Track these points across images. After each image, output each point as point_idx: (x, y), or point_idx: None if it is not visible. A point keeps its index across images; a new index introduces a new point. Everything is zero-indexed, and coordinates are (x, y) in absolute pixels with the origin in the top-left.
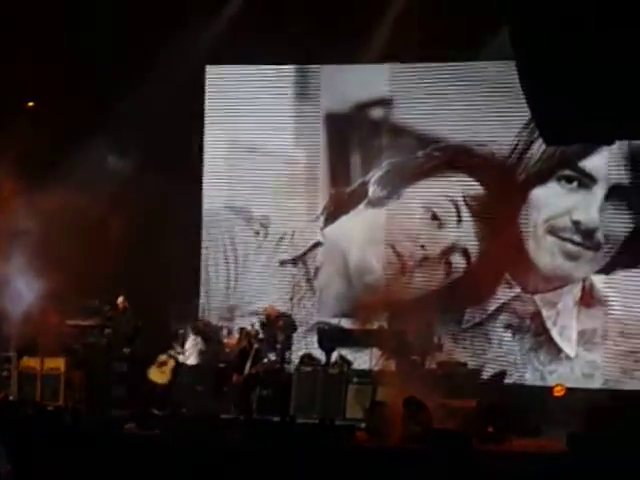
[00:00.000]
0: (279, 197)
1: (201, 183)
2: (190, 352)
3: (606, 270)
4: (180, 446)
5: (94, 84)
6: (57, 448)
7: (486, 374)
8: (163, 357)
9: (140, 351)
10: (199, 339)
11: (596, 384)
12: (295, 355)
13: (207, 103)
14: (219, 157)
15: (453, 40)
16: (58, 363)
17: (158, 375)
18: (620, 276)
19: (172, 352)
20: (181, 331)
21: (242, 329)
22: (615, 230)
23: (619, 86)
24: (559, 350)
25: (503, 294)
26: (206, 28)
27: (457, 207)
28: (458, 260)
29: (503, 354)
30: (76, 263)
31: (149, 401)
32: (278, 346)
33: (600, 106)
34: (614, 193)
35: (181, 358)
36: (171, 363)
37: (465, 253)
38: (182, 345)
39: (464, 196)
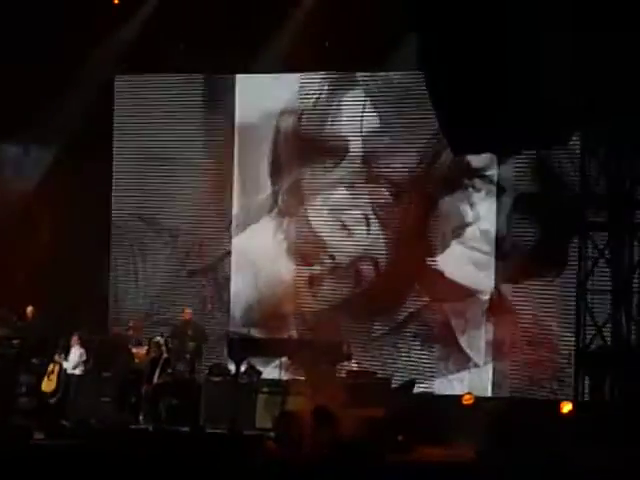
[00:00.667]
0: (188, 207)
1: (110, 192)
2: (75, 362)
3: (514, 279)
4: (89, 457)
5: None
6: None
7: (395, 383)
8: (50, 366)
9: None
10: (82, 350)
11: (504, 393)
12: (205, 365)
13: (116, 112)
14: (128, 167)
15: (363, 50)
16: None
17: (47, 385)
18: (528, 285)
19: (56, 358)
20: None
21: (151, 339)
22: (523, 239)
23: (525, 96)
24: (468, 359)
25: (412, 303)
26: (116, 36)
27: (366, 217)
28: (367, 269)
29: (412, 363)
30: None
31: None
32: (188, 356)
33: (507, 116)
34: (521, 202)
35: (65, 365)
36: (56, 370)
37: (374, 262)
38: (65, 354)
39: (373, 205)
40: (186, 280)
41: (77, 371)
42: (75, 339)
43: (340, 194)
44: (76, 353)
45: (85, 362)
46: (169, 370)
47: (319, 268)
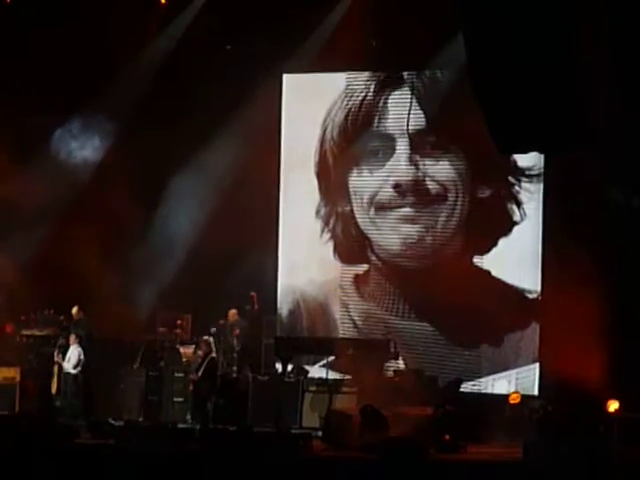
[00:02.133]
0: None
1: None
2: (74, 362)
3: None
4: (136, 456)
5: None
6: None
7: (442, 382)
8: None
9: (95, 361)
10: (80, 349)
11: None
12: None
13: None
14: None
15: (410, 49)
16: (13, 373)
17: (53, 386)
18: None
19: (56, 359)
20: (61, 340)
21: (199, 338)
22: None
23: (572, 94)
24: (515, 358)
25: (458, 302)
26: None
27: (412, 216)
28: (414, 268)
29: (459, 362)
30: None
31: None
32: (235, 355)
33: (554, 114)
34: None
35: (65, 366)
36: (56, 370)
37: (421, 262)
38: (63, 354)
39: (420, 204)
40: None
41: (75, 371)
42: (73, 338)
43: (387, 193)
44: (74, 352)
45: (83, 361)
46: (217, 370)
47: (365, 267)
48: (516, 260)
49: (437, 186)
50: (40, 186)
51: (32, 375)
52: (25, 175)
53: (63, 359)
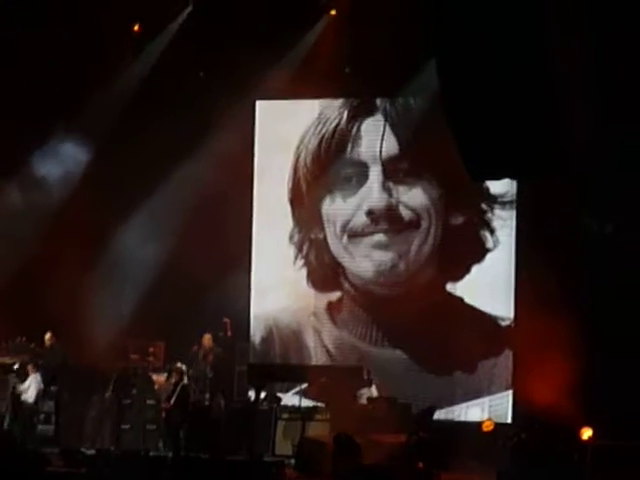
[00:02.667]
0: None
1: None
2: (31, 389)
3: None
4: None
5: None
6: None
7: (415, 409)
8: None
9: (68, 388)
10: (39, 376)
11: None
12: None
13: None
14: None
15: (383, 76)
16: None
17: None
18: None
19: (12, 389)
20: (16, 366)
21: (171, 365)
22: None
23: (546, 120)
24: (489, 385)
25: (431, 329)
26: None
27: (385, 243)
28: (387, 295)
29: (432, 389)
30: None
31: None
32: (207, 382)
33: (527, 141)
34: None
35: (23, 396)
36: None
37: (394, 288)
38: (22, 380)
39: (392, 231)
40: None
41: (33, 399)
42: (31, 367)
43: (360, 219)
44: (33, 382)
45: (43, 389)
46: (189, 397)
47: (339, 294)
48: (489, 287)
49: (410, 213)
50: (10, 211)
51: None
52: None
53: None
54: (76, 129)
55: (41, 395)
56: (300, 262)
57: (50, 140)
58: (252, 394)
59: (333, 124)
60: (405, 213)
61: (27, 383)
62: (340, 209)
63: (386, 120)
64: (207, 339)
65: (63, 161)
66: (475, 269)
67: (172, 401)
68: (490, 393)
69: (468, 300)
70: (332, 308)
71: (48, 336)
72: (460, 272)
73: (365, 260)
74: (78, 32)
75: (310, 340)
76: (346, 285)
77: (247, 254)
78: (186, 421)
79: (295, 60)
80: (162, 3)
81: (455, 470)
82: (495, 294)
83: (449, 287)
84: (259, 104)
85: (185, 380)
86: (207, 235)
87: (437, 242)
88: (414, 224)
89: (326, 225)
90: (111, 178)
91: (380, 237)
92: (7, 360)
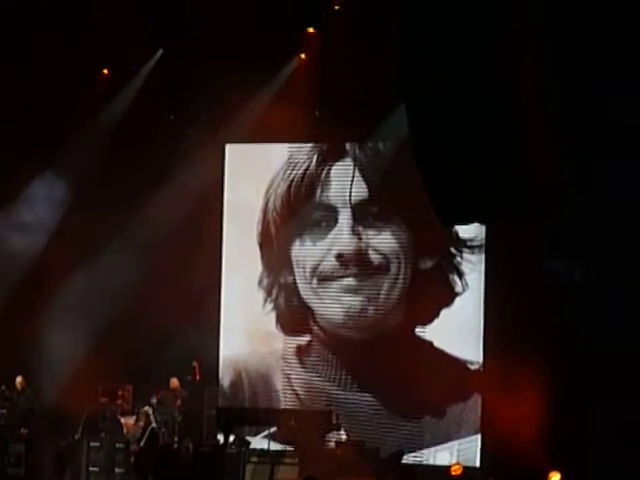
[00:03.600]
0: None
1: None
2: None
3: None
4: None
5: None
6: None
7: (384, 453)
8: None
9: (38, 431)
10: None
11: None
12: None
13: None
14: None
15: (352, 121)
16: None
17: None
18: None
19: None
20: None
21: (140, 409)
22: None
23: (517, 166)
24: (457, 429)
25: (400, 372)
26: None
27: (354, 287)
28: (356, 339)
29: (401, 433)
30: None
31: None
32: (176, 426)
33: (497, 186)
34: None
35: None
36: None
37: (363, 332)
38: None
39: (362, 275)
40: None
41: None
42: None
43: (329, 263)
44: None
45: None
46: (157, 440)
47: (308, 338)
48: (458, 331)
49: (379, 257)
50: None
51: None
52: None
53: None
54: (48, 169)
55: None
56: (269, 306)
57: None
58: (221, 438)
59: (302, 168)
60: (374, 257)
61: None
62: (310, 253)
63: (355, 164)
64: (174, 383)
65: (35, 203)
66: (444, 313)
67: (141, 444)
68: (459, 437)
69: (437, 344)
70: (301, 352)
71: (19, 379)
72: (429, 316)
73: (334, 304)
74: (49, 73)
75: (279, 383)
76: (315, 329)
77: (216, 297)
78: (155, 465)
79: (264, 104)
80: (131, 47)
81: None
82: (464, 338)
83: (418, 331)
84: (228, 147)
85: (153, 423)
86: (176, 278)
87: (406, 286)
88: (383, 268)
89: (295, 269)
90: (78, 220)
91: (350, 281)
92: None
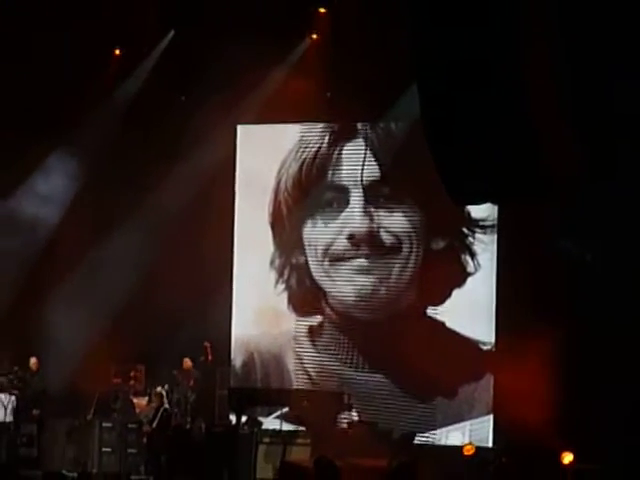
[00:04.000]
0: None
1: None
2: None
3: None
4: None
5: None
6: None
7: (396, 434)
8: None
9: (50, 411)
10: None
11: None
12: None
13: None
14: None
15: (364, 101)
16: None
17: None
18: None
19: None
20: None
21: (152, 389)
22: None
23: (530, 145)
24: (469, 410)
25: (412, 352)
26: None
27: (366, 267)
28: (368, 320)
29: (413, 414)
30: None
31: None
32: (188, 406)
33: (509, 166)
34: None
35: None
36: None
37: (375, 313)
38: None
39: (373, 256)
40: (186, 330)
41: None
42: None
43: (341, 244)
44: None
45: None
46: (170, 421)
47: (320, 319)
48: (470, 311)
49: (391, 237)
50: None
51: None
52: None
53: None
54: (63, 147)
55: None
56: (281, 286)
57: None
58: (233, 418)
59: (314, 148)
60: (386, 238)
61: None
62: (321, 234)
63: (367, 145)
64: (187, 363)
65: (49, 183)
66: (456, 293)
67: (154, 425)
68: (471, 417)
69: (449, 324)
70: (313, 332)
71: (33, 360)
72: (441, 296)
73: (346, 285)
74: (60, 55)
75: (291, 364)
76: (327, 309)
77: (228, 278)
78: (167, 445)
79: (276, 84)
80: (144, 28)
81: None
82: (476, 318)
83: (430, 311)
84: (240, 128)
85: (166, 404)
86: (188, 258)
87: (418, 266)
88: (395, 249)
89: (307, 249)
90: (91, 199)
91: (361, 262)
92: None
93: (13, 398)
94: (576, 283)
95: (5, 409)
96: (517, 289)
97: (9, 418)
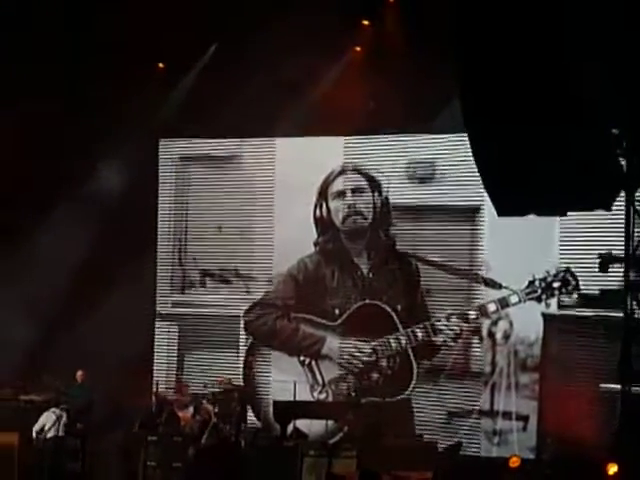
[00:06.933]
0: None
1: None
2: (51, 426)
3: None
4: None
5: None
6: None
7: (442, 446)
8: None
9: (95, 425)
10: (60, 412)
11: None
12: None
13: None
14: None
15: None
16: (12, 438)
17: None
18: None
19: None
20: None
21: (199, 403)
22: None
23: (572, 158)
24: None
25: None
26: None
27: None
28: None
29: (457, 426)
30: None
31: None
32: (233, 419)
33: (552, 177)
34: None
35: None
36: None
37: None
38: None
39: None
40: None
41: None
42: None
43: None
44: (54, 418)
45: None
46: (217, 434)
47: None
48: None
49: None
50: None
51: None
52: None
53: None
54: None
55: (66, 432)
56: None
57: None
58: (278, 431)
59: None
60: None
61: (48, 420)
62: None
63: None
64: (224, 378)
65: None
66: None
67: (203, 440)
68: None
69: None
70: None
71: (79, 373)
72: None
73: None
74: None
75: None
76: None
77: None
78: (214, 459)
79: (318, 97)
80: (185, 42)
81: None
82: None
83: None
84: (279, 141)
85: (214, 418)
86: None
87: None
88: None
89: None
90: None
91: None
92: (34, 397)
93: (64, 412)
94: None
95: (59, 423)
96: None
97: (61, 432)
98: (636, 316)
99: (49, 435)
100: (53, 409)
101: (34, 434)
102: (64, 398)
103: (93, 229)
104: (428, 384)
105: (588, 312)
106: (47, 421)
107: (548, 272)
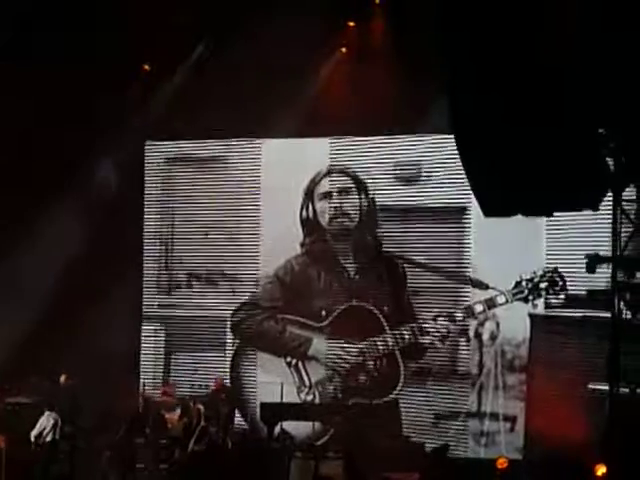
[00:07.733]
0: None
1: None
2: (48, 429)
3: None
4: None
5: None
6: None
7: (429, 447)
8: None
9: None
10: (57, 415)
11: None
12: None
13: None
14: None
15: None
16: None
17: None
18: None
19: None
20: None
21: (187, 405)
22: None
23: (559, 158)
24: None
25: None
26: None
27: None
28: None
29: (445, 427)
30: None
31: None
32: (220, 421)
33: (539, 178)
34: None
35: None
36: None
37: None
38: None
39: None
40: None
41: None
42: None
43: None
44: (49, 420)
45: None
46: (206, 436)
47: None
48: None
49: None
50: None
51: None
52: None
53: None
54: None
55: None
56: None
57: None
58: (265, 432)
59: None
60: None
61: (47, 424)
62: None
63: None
64: (219, 377)
65: None
66: None
67: (191, 442)
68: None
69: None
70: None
71: (63, 377)
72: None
73: None
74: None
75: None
76: None
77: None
78: (201, 460)
79: (306, 98)
80: (171, 43)
81: None
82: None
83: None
84: (265, 142)
85: (203, 422)
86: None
87: None
88: None
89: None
90: None
91: None
92: (21, 400)
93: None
94: None
95: (56, 427)
96: None
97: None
98: (623, 316)
99: (48, 439)
100: (48, 413)
101: (32, 438)
102: (52, 400)
103: (79, 231)
104: (415, 385)
105: (575, 313)
106: (46, 425)
107: (535, 272)
